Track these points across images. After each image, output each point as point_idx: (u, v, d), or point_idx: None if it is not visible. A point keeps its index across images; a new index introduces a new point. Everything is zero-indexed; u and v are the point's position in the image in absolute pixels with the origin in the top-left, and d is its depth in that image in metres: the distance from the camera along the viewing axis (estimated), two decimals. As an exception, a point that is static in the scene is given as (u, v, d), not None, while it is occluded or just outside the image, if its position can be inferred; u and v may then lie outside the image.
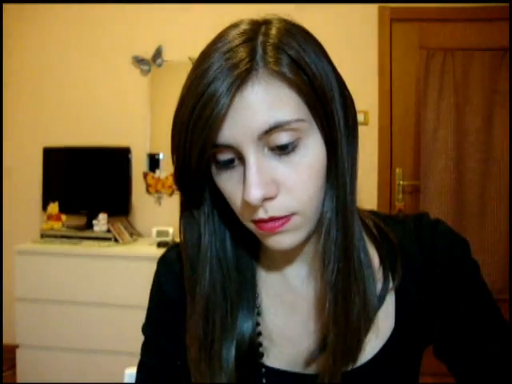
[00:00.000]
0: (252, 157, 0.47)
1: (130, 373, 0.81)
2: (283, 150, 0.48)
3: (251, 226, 0.52)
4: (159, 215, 2.60)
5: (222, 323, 0.57)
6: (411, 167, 2.60)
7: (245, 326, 0.58)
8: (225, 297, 0.57)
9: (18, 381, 2.28)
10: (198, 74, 0.47)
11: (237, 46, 0.47)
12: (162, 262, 0.67)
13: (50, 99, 2.73)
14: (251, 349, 0.59)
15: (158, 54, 2.62)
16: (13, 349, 2.31)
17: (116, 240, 2.37)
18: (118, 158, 2.56)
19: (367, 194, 2.56)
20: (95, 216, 2.44)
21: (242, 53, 0.46)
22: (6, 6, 2.60)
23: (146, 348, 0.67)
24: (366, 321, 0.54)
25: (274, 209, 0.49)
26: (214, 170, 0.51)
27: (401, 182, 2.59)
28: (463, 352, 0.55)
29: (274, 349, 0.60)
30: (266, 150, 0.48)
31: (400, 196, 2.58)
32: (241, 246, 0.59)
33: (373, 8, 2.55)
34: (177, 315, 0.61)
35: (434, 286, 0.56)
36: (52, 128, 2.71)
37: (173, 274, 0.63)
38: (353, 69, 2.49)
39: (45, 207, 2.51)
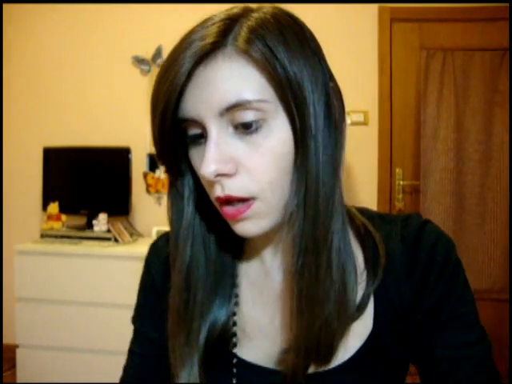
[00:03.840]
0: (213, 132, 0.47)
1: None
2: (246, 128, 0.47)
3: (220, 209, 0.52)
4: (159, 215, 2.59)
5: (202, 302, 0.57)
6: (411, 167, 2.60)
7: (219, 312, 0.58)
8: (207, 276, 0.57)
9: (18, 381, 2.28)
10: (174, 47, 0.48)
11: (215, 22, 0.47)
12: (152, 249, 0.68)
13: (50, 99, 2.73)
14: (223, 337, 0.58)
15: (157, 53, 2.62)
16: (13, 349, 2.31)
17: (116, 240, 2.37)
18: (118, 158, 2.56)
19: (367, 194, 2.56)
20: (95, 216, 2.44)
21: (215, 28, 0.47)
22: (5, 6, 2.60)
23: (135, 338, 0.67)
24: (343, 322, 0.52)
25: (230, 188, 0.48)
26: (188, 145, 0.52)
27: (401, 182, 2.59)
28: (434, 355, 0.53)
29: (248, 341, 0.59)
30: (230, 128, 0.48)
31: (400, 196, 2.58)
32: (225, 231, 0.57)
33: (373, 8, 2.54)
34: (164, 303, 0.60)
35: (414, 287, 0.54)
36: (52, 128, 2.71)
37: (161, 260, 0.63)
38: (353, 69, 2.50)
39: (45, 207, 2.51)
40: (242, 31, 0.46)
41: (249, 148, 0.48)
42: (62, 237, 2.41)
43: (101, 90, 2.69)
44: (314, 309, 0.50)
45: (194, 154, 0.51)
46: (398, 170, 2.59)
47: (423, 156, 2.45)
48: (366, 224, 0.58)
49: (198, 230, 0.57)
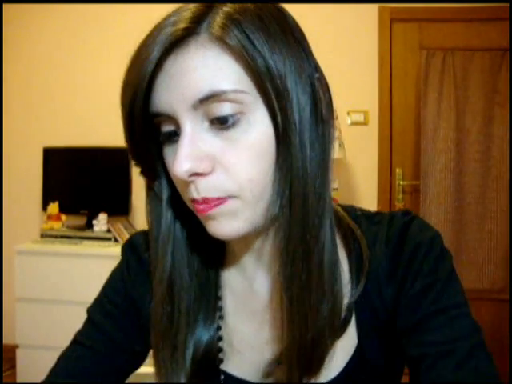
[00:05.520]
0: (187, 127, 0.44)
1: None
2: (223, 123, 0.43)
3: (193, 209, 0.48)
4: (159, 215, 2.59)
5: (187, 313, 0.53)
6: (411, 167, 2.60)
7: (203, 328, 0.54)
8: (191, 287, 0.53)
9: (18, 381, 2.28)
10: (146, 34, 0.45)
11: (189, 8, 0.44)
12: (130, 246, 0.62)
13: (50, 99, 2.73)
14: (209, 353, 0.55)
15: (157, 53, 2.62)
16: (13, 349, 2.31)
17: (116, 240, 2.37)
18: (118, 158, 2.56)
19: (367, 194, 2.56)
20: (95, 216, 2.44)
21: (188, 14, 0.43)
22: (5, 6, 2.60)
23: (90, 331, 0.60)
24: (332, 335, 0.49)
25: (206, 188, 0.44)
26: (162, 143, 0.48)
27: (401, 182, 2.59)
28: (416, 352, 0.48)
29: (235, 355, 0.56)
30: (205, 123, 0.44)
31: (400, 196, 2.58)
32: (207, 239, 0.53)
33: (373, 8, 2.54)
34: (137, 303, 0.58)
35: (395, 289, 0.50)
36: (52, 128, 2.71)
37: (137, 258, 0.60)
38: (353, 69, 2.49)
39: (45, 207, 2.51)
40: (218, 17, 0.42)
41: (226, 144, 0.44)
42: (62, 237, 2.41)
43: (101, 89, 2.69)
44: (306, 319, 0.47)
45: (169, 152, 0.47)
46: (398, 170, 2.59)
47: (423, 156, 2.45)
48: (353, 227, 0.54)
49: (180, 235, 0.53)
